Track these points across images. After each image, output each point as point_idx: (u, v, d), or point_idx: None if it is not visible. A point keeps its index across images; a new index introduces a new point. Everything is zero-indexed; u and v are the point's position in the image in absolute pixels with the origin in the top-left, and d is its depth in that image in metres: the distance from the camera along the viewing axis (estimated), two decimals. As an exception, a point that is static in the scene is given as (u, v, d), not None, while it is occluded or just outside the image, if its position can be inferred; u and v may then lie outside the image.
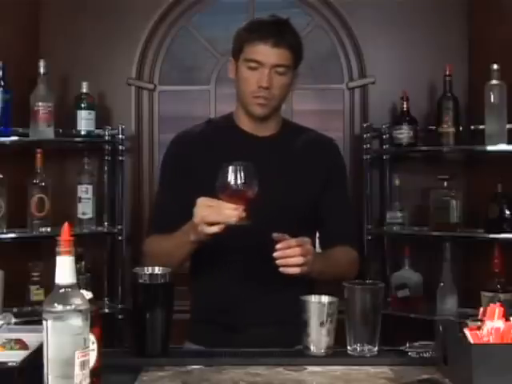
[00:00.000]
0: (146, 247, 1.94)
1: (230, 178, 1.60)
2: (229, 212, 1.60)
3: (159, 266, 1.69)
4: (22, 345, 1.39)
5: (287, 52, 1.85)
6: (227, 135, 1.94)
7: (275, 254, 1.65)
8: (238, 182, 1.60)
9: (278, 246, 1.66)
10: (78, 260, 1.57)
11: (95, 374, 1.29)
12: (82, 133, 3.20)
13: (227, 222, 1.61)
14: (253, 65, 1.84)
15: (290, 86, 1.92)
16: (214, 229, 1.62)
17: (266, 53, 1.83)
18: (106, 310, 3.19)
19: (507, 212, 2.95)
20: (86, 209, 3.20)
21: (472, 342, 1.37)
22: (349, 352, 1.62)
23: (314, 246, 1.96)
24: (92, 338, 1.28)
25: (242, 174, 1.61)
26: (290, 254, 1.65)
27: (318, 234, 2.02)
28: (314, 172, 1.94)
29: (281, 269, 1.66)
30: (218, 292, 1.90)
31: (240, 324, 1.85)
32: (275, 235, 1.67)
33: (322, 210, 1.95)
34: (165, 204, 1.94)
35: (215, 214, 1.61)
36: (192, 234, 1.71)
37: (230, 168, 1.61)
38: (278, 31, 1.85)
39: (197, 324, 1.95)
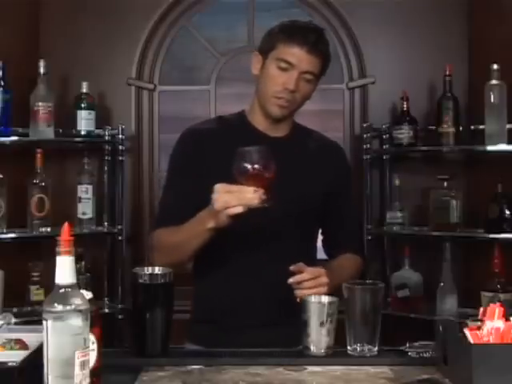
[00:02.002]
0: (154, 240, 1.89)
1: (247, 161, 1.61)
2: (250, 195, 1.59)
3: (169, 258, 1.70)
4: (21, 345, 1.39)
5: (319, 61, 1.86)
6: (239, 133, 1.92)
7: (290, 282, 1.70)
8: (255, 165, 1.60)
9: (291, 280, 1.69)
10: (78, 260, 1.57)
11: (95, 374, 1.29)
12: (82, 133, 3.20)
13: (250, 205, 1.60)
14: (283, 65, 1.84)
15: (309, 95, 1.91)
16: (237, 209, 1.60)
17: (300, 57, 1.83)
18: (106, 310, 3.19)
19: (507, 212, 2.95)
20: (86, 209, 3.20)
21: (472, 341, 1.37)
22: (349, 352, 1.62)
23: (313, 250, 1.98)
24: (92, 338, 1.28)
25: (258, 156, 1.61)
26: (304, 287, 1.69)
27: (321, 237, 2.02)
28: (322, 174, 1.94)
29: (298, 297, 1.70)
30: (223, 293, 1.89)
31: (244, 325, 1.85)
32: (292, 267, 1.70)
33: (327, 213, 1.96)
34: (172, 202, 1.91)
35: (237, 198, 1.60)
36: (210, 222, 1.69)
37: (246, 152, 1.62)
38: (315, 39, 1.85)
39: (199, 325, 1.94)
